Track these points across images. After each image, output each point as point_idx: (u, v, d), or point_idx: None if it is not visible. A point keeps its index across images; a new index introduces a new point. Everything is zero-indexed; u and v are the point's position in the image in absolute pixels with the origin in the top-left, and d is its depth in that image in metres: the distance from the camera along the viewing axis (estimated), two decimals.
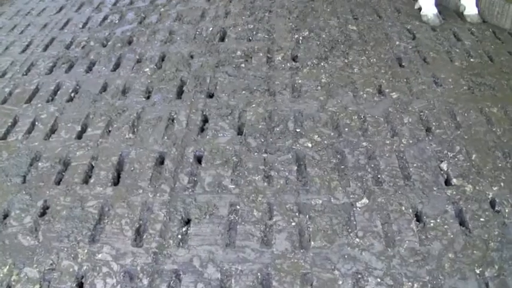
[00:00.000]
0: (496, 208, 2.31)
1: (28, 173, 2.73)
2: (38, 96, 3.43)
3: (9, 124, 3.15)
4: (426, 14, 4.00)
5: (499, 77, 3.24)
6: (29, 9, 5.01)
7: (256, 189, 2.46)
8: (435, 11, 4.00)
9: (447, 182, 2.48)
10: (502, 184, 2.42)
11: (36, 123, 3.14)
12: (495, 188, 2.40)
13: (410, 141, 2.71)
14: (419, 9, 4.09)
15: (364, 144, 2.71)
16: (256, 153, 2.68)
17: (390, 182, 2.46)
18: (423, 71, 3.32)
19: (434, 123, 2.84)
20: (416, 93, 3.11)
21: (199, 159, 2.72)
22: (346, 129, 2.83)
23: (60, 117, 3.16)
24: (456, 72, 3.29)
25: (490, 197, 2.36)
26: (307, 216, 2.31)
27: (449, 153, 2.63)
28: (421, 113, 2.94)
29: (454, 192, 2.38)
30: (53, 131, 3.06)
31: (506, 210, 2.29)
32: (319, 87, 3.19)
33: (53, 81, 3.57)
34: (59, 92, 3.44)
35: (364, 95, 3.10)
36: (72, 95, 3.41)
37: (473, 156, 2.60)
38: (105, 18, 4.58)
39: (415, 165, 2.55)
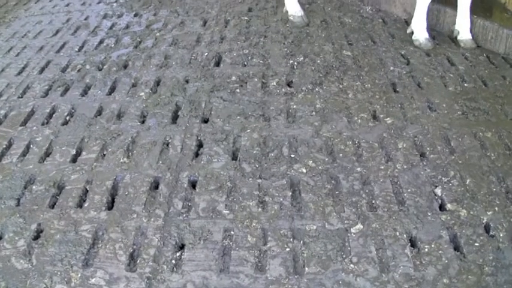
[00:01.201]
0: (491, 233, 2.36)
1: (22, 196, 2.77)
2: (33, 119, 3.50)
3: (4, 146, 3.21)
4: (418, 39, 4.13)
5: (493, 102, 3.33)
6: (26, 32, 5.11)
7: (250, 215, 2.50)
8: (426, 35, 4.13)
9: (441, 207, 2.53)
10: (496, 209, 2.48)
11: (31, 146, 3.20)
12: (489, 213, 2.45)
13: (405, 167, 2.77)
14: (412, 33, 4.21)
15: (359, 169, 2.77)
16: (250, 179, 2.74)
17: (384, 208, 2.51)
18: (417, 96, 3.40)
19: (428, 149, 2.91)
20: (410, 119, 3.18)
21: (193, 184, 2.77)
22: (341, 154, 2.89)
23: (55, 141, 3.22)
24: (450, 97, 3.37)
25: (484, 221, 2.41)
26: (302, 241, 2.35)
27: (443, 178, 2.69)
28: (416, 138, 3.01)
29: (449, 217, 2.43)
30: (47, 154, 3.12)
31: (501, 235, 2.33)
32: (313, 113, 3.27)
33: (49, 104, 3.64)
34: (54, 115, 3.51)
35: (359, 121, 3.18)
36: (68, 118, 3.48)
37: (468, 181, 2.66)
38: (101, 42, 4.68)
39: (409, 190, 2.61)
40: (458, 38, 4.14)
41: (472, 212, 2.46)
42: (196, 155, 2.99)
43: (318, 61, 3.89)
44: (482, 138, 2.98)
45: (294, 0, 4.63)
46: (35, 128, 3.38)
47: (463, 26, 4.11)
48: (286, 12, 4.66)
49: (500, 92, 3.45)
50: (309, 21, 4.56)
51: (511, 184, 2.63)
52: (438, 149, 2.90)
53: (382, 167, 2.78)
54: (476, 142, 2.95)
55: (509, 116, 3.18)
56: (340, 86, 3.55)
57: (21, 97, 3.81)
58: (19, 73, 4.20)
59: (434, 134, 3.03)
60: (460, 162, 2.79)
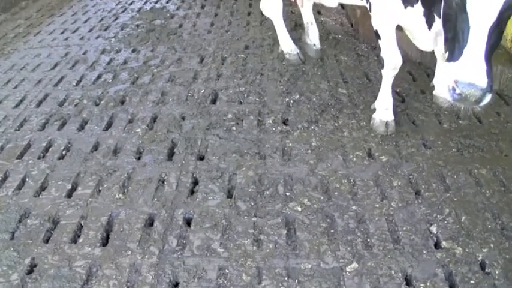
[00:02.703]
0: (486, 270, 2.42)
1: (17, 229, 2.84)
2: (30, 152, 3.58)
3: (0, 179, 3.28)
4: (374, 118, 3.64)
5: (487, 138, 3.42)
6: (24, 64, 5.23)
7: (245, 253, 2.56)
8: (385, 117, 3.58)
9: (437, 245, 2.59)
10: (491, 246, 2.54)
11: (27, 179, 3.27)
12: (485, 250, 2.51)
13: (400, 205, 2.84)
14: (374, 110, 3.73)
15: (354, 208, 2.84)
16: (245, 217, 2.80)
17: (380, 246, 2.57)
18: (412, 134, 3.50)
19: (423, 186, 2.99)
20: (405, 156, 3.27)
21: (188, 222, 2.83)
22: (336, 193, 2.96)
23: (50, 175, 3.29)
24: (445, 135, 3.47)
25: (480, 259, 2.47)
26: (296, 280, 2.40)
27: (438, 216, 2.76)
28: (411, 176, 3.08)
29: (444, 255, 2.49)
30: (43, 188, 3.19)
31: (497, 272, 2.39)
32: (309, 151, 3.36)
33: (45, 138, 3.73)
34: (50, 149, 3.60)
35: (354, 159, 3.26)
36: (64, 152, 3.56)
37: (463, 218, 2.73)
38: (98, 77, 4.78)
39: (404, 228, 2.67)
40: (433, 92, 3.92)
41: (467, 250, 2.52)
42: (192, 192, 3.06)
43: (314, 99, 4.00)
44: (477, 175, 3.06)
45: (289, 39, 4.77)
46: (31, 161, 3.46)
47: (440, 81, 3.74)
48: (282, 52, 4.80)
49: (495, 128, 3.55)
50: (305, 59, 4.71)
51: (506, 220, 2.70)
52: (433, 187, 2.98)
53: (377, 205, 2.85)
54: (471, 179, 3.03)
55: (504, 153, 3.28)
56: (336, 124, 3.66)
57: (18, 130, 3.90)
58: (17, 106, 4.31)
59: (429, 172, 3.11)
60: (455, 199, 2.87)
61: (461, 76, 2.33)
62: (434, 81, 3.87)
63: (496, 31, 2.30)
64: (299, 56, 4.71)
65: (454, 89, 2.35)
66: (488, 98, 2.36)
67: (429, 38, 3.17)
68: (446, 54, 2.52)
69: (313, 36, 4.77)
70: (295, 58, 4.69)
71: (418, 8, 3.04)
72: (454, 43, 2.41)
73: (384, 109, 3.58)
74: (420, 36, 3.27)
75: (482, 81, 2.29)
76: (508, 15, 2.31)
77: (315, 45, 4.76)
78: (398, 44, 3.41)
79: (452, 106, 2.59)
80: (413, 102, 3.92)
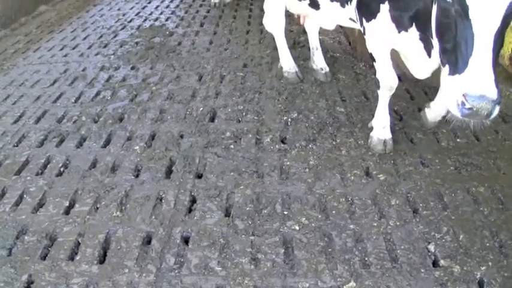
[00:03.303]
0: None
1: (14, 246, 2.86)
2: (28, 168, 3.60)
3: None
4: (372, 136, 3.67)
5: (485, 156, 3.46)
6: (23, 80, 5.28)
7: (242, 272, 2.57)
8: (383, 135, 3.60)
9: (435, 264, 2.61)
10: (490, 263, 2.56)
11: (25, 195, 3.30)
12: (483, 268, 2.54)
13: (398, 223, 2.87)
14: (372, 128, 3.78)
15: (352, 226, 2.86)
16: (243, 236, 2.82)
17: (378, 265, 2.59)
18: (410, 152, 3.53)
19: (421, 205, 3.02)
20: (403, 175, 3.30)
21: (186, 240, 2.85)
22: (334, 211, 2.99)
23: (48, 191, 3.32)
24: (443, 153, 3.50)
25: (478, 277, 2.50)
26: None
27: (436, 234, 2.78)
28: (408, 195, 3.12)
29: (442, 274, 2.51)
30: (40, 204, 3.21)
31: None
32: (307, 170, 3.39)
33: (43, 155, 3.76)
34: (48, 166, 3.62)
35: (352, 177, 3.29)
36: (62, 169, 3.58)
37: (461, 236, 2.75)
38: (97, 94, 4.83)
39: (402, 247, 2.69)
40: (421, 112, 3.80)
41: (465, 268, 2.54)
42: (190, 210, 3.09)
43: (312, 117, 4.04)
44: (475, 193, 3.09)
45: (289, 57, 4.84)
46: (29, 177, 3.48)
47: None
48: (281, 68, 4.86)
49: (493, 146, 3.59)
50: (303, 77, 4.77)
51: (505, 238, 2.73)
52: (431, 205, 3.01)
53: (375, 224, 2.87)
54: (469, 197, 3.06)
55: (502, 170, 3.31)
56: (334, 143, 3.69)
57: (17, 146, 3.93)
58: (15, 122, 4.35)
59: (427, 190, 3.14)
60: (453, 217, 2.90)
61: (470, 88, 2.19)
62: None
63: (500, 37, 2.21)
64: (297, 74, 4.78)
65: (463, 104, 2.21)
66: (497, 110, 2.23)
67: (428, 66, 3.10)
68: (447, 68, 2.40)
69: (318, 61, 4.83)
70: (293, 76, 4.76)
71: (413, 32, 2.98)
72: (456, 54, 2.28)
73: (381, 127, 3.61)
74: (418, 64, 3.22)
75: (493, 92, 2.17)
76: (510, 19, 2.21)
77: (322, 69, 4.82)
78: (395, 63, 3.45)
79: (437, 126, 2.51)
80: (411, 121, 3.96)
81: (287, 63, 4.83)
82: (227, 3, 7.13)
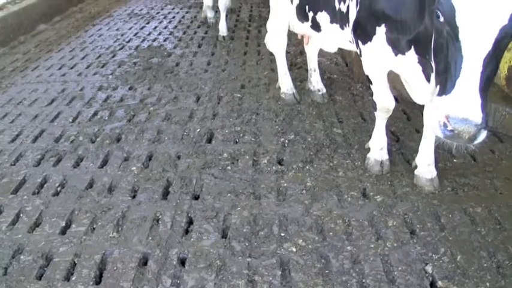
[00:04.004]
0: None
1: (10, 265, 2.87)
2: (25, 187, 3.63)
3: None
4: (369, 157, 3.72)
5: (482, 176, 3.49)
6: (21, 99, 5.32)
7: None
8: (379, 156, 3.65)
9: (432, 285, 2.63)
10: (487, 284, 2.58)
11: (21, 215, 3.31)
12: None
13: (395, 245, 2.88)
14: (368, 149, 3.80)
15: (349, 248, 2.88)
16: (240, 257, 2.83)
17: (375, 287, 2.60)
18: (407, 173, 3.56)
19: (418, 226, 3.04)
20: (400, 196, 3.33)
21: (182, 262, 2.86)
22: (331, 233, 3.00)
23: (45, 211, 3.33)
24: (440, 173, 3.51)
25: None
26: None
27: (434, 255, 2.80)
28: (405, 216, 3.14)
29: None
30: (37, 224, 3.23)
31: None
32: (304, 191, 3.41)
33: (40, 174, 3.78)
34: (45, 185, 3.65)
35: (349, 199, 3.32)
36: (59, 189, 3.60)
37: (458, 257, 2.77)
38: (95, 114, 4.86)
39: (399, 268, 2.71)
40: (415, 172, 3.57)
41: None
42: (186, 231, 3.10)
43: (309, 139, 4.08)
44: (473, 214, 3.12)
45: (288, 77, 4.90)
46: (25, 197, 3.50)
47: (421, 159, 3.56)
48: (279, 88, 4.92)
49: (490, 166, 3.63)
50: (300, 99, 4.82)
51: (502, 259, 2.75)
52: (428, 226, 3.03)
53: (372, 246, 2.89)
54: (467, 218, 3.08)
55: (499, 190, 3.34)
56: (331, 164, 3.73)
57: (14, 165, 3.95)
58: (13, 140, 4.38)
59: (424, 211, 3.17)
60: (450, 238, 2.91)
61: (453, 111, 2.17)
62: (417, 160, 3.55)
63: (492, 61, 2.18)
64: (294, 95, 4.83)
65: (445, 125, 2.20)
66: (483, 135, 2.20)
67: (427, 91, 3.03)
68: (437, 89, 2.38)
69: (316, 82, 4.89)
70: (290, 98, 4.81)
71: (411, 55, 2.99)
72: (446, 75, 2.27)
73: (378, 149, 3.64)
74: (417, 88, 3.21)
75: (476, 116, 2.13)
76: (505, 43, 2.18)
77: (319, 90, 4.87)
78: (391, 84, 3.48)
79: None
80: (408, 142, 4.00)
81: (285, 84, 4.89)
82: (225, 36, 7.22)
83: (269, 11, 4.74)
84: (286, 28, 4.60)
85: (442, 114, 2.22)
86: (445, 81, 2.27)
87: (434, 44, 2.46)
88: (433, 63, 2.60)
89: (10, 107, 5.11)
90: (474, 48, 2.15)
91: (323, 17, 3.76)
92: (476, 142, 2.23)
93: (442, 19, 2.25)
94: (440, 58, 2.36)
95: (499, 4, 2.08)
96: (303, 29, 4.34)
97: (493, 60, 2.18)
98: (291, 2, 4.15)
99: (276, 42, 4.77)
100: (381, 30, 3.09)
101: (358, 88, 5.09)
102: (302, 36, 4.87)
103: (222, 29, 7.27)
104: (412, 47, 2.95)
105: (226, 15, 7.47)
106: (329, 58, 5.98)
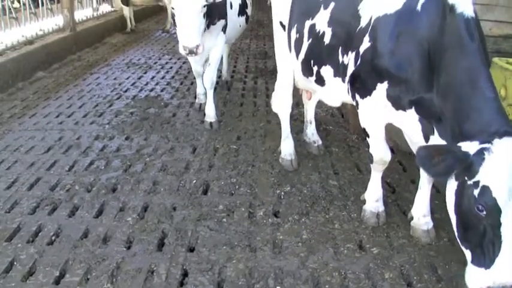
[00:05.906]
0: None
1: None
2: (19, 235, 3.63)
3: None
4: (365, 209, 3.80)
5: None
6: (18, 146, 5.34)
7: None
8: (375, 208, 3.75)
9: None
10: None
11: (15, 263, 3.31)
12: None
13: None
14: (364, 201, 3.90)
15: None
16: None
17: None
18: (403, 225, 3.62)
19: (415, 278, 3.08)
20: (396, 248, 3.38)
21: None
22: (327, 286, 3.04)
23: (39, 260, 3.33)
24: (436, 224, 3.57)
25: None
26: None
27: None
28: (402, 268, 3.18)
29: None
30: (31, 273, 3.22)
31: None
32: (300, 244, 3.45)
33: (35, 222, 3.78)
34: (40, 234, 3.65)
35: (345, 251, 3.36)
36: (53, 238, 3.60)
37: None
38: (91, 163, 4.89)
39: None
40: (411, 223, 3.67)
41: None
42: (181, 284, 3.11)
43: (305, 191, 4.15)
44: None
45: (290, 142, 4.81)
46: (20, 245, 3.50)
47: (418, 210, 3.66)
48: (280, 152, 4.85)
49: None
50: (297, 167, 4.71)
51: None
52: (425, 278, 3.07)
53: None
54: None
55: None
56: (327, 216, 3.78)
57: (9, 212, 3.96)
58: (8, 187, 4.38)
59: (421, 263, 3.21)
60: None
61: (497, 279, 2.33)
62: (413, 211, 3.65)
63: None
64: (292, 162, 4.70)
65: None
66: None
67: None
68: (469, 254, 2.51)
69: (312, 134, 4.97)
70: (287, 164, 4.68)
71: (411, 113, 3.07)
72: (482, 250, 2.40)
73: (374, 200, 3.71)
74: (415, 141, 3.26)
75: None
76: None
77: (315, 142, 4.95)
78: (387, 136, 3.55)
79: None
80: (404, 193, 4.07)
81: (286, 148, 4.78)
82: (212, 123, 5.87)
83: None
84: (291, 89, 4.61)
85: (484, 284, 2.38)
86: (480, 255, 2.42)
87: (462, 214, 2.54)
88: (435, 126, 2.79)
89: (6, 154, 5.14)
90: None
91: (327, 71, 3.78)
92: None
93: (483, 213, 2.37)
94: (473, 233, 2.46)
95: None
96: (307, 84, 4.36)
97: None
98: (297, 57, 4.17)
99: (281, 103, 4.75)
100: (382, 87, 3.13)
101: (354, 139, 5.20)
102: (304, 92, 4.93)
103: (209, 113, 5.91)
104: (413, 107, 3.02)
105: (215, 96, 6.11)
106: (325, 109, 6.12)
